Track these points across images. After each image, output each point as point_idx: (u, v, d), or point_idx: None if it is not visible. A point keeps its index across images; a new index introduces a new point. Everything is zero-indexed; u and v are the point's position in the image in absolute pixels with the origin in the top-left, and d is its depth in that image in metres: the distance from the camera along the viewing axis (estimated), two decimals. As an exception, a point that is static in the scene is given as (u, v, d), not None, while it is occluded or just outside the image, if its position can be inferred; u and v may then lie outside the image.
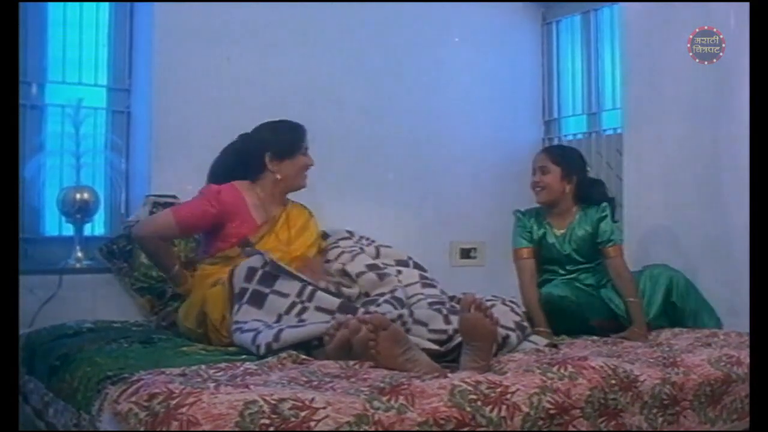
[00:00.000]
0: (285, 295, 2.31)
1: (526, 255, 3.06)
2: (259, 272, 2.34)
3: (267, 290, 2.32)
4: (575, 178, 3.05)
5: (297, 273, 2.37)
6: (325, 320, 2.21)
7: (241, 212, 2.70)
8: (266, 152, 2.75)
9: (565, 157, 3.07)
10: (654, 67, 3.54)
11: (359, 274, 2.57)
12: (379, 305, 2.34)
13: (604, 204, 3.05)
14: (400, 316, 2.22)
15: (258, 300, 2.31)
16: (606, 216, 3.02)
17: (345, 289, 2.50)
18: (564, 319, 2.83)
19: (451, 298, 2.58)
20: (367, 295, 2.51)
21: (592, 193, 3.10)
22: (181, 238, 2.92)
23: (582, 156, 3.18)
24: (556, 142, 4.29)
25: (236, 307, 2.33)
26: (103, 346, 2.33)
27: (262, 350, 2.13)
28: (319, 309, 2.28)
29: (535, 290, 2.98)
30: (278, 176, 2.76)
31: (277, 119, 2.84)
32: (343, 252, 2.71)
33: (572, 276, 3.05)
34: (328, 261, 2.72)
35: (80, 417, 1.89)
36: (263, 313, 2.29)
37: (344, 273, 2.60)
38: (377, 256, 2.75)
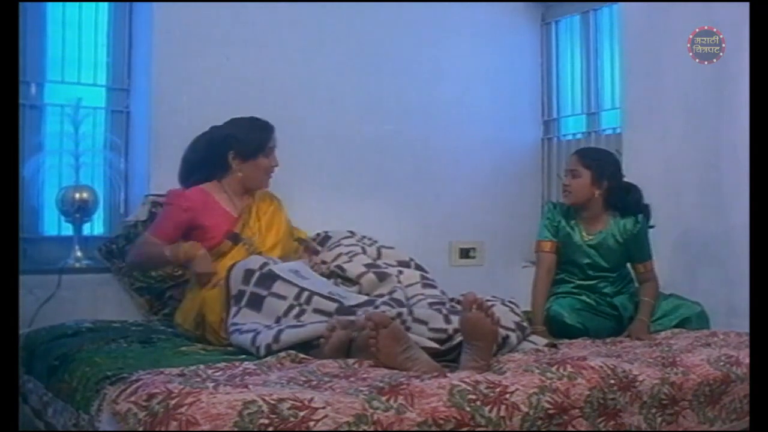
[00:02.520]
0: (283, 298, 2.31)
1: (547, 248, 3.00)
2: (257, 274, 2.35)
3: (265, 293, 2.32)
4: (606, 183, 2.96)
5: (292, 280, 2.36)
6: (324, 321, 2.22)
7: (214, 208, 2.74)
8: (229, 150, 2.78)
9: (597, 162, 2.98)
10: (653, 67, 3.54)
11: (360, 276, 2.57)
12: (377, 306, 2.34)
13: (641, 216, 2.96)
14: (399, 315, 2.22)
15: (256, 303, 2.31)
16: (641, 232, 2.96)
17: (344, 290, 2.50)
18: (567, 338, 2.76)
19: (450, 300, 2.58)
20: (367, 295, 2.51)
21: (626, 200, 2.99)
22: (171, 243, 2.79)
23: (617, 161, 3.10)
24: (555, 142, 4.29)
25: (234, 309, 2.33)
26: (102, 345, 2.33)
27: (262, 351, 2.13)
28: (317, 311, 2.29)
29: (548, 287, 2.96)
30: (240, 175, 2.79)
31: (245, 116, 2.84)
32: (341, 253, 2.70)
33: (591, 283, 2.99)
34: (325, 263, 2.72)
35: (79, 417, 1.89)
36: (262, 316, 2.29)
37: (344, 276, 2.60)
38: (379, 257, 2.75)
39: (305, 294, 2.32)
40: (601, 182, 2.96)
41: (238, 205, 2.79)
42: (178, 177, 2.87)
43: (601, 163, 3.00)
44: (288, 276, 2.36)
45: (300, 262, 2.58)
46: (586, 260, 2.99)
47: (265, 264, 2.37)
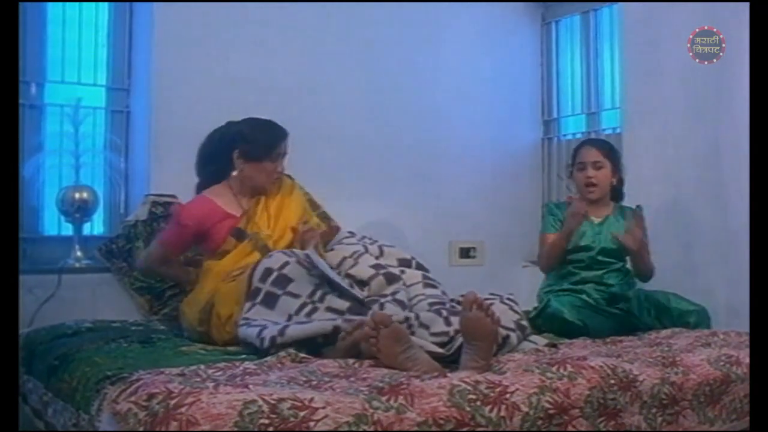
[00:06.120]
0: (297, 296, 2.32)
1: (550, 241, 3.03)
2: (275, 273, 2.36)
3: (280, 292, 2.33)
4: (619, 173, 3.06)
5: (309, 281, 2.36)
6: (332, 318, 2.22)
7: (216, 214, 2.71)
8: (235, 149, 2.74)
9: (613, 152, 3.07)
10: (653, 67, 3.54)
11: (370, 278, 2.55)
12: (382, 306, 2.35)
13: (639, 206, 3.02)
14: (407, 319, 2.22)
15: (270, 302, 2.33)
16: (641, 219, 3.00)
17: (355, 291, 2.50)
18: (569, 337, 2.75)
19: (451, 300, 2.57)
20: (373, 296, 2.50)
21: (621, 189, 3.11)
22: (180, 255, 2.88)
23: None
24: (555, 142, 4.29)
25: (248, 305, 2.35)
26: (102, 345, 2.33)
27: (266, 343, 2.14)
28: (329, 309, 2.30)
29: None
30: (242, 174, 2.76)
31: (262, 118, 2.81)
32: (345, 257, 2.69)
33: (596, 274, 2.99)
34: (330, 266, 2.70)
35: (79, 417, 1.89)
36: (275, 314, 2.30)
37: (354, 279, 2.58)
38: (380, 255, 2.75)
39: (319, 293, 2.33)
40: (618, 172, 3.06)
41: (244, 203, 2.77)
42: (195, 168, 2.86)
43: (616, 152, 3.11)
44: (305, 276, 2.36)
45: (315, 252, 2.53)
46: (594, 241, 3.00)
47: (285, 264, 2.38)
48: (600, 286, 2.98)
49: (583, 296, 2.93)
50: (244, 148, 2.74)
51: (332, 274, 2.39)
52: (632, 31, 3.67)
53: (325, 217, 2.96)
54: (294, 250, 2.51)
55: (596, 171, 3.00)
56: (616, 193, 3.12)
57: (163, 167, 3.26)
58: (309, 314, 2.28)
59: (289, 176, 2.91)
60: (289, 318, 2.28)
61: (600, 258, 3.02)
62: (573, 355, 2.11)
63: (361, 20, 3.77)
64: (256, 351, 2.19)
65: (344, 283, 2.41)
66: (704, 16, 3.26)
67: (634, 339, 2.72)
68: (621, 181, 3.11)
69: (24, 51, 3.18)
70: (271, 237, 2.70)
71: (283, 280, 2.34)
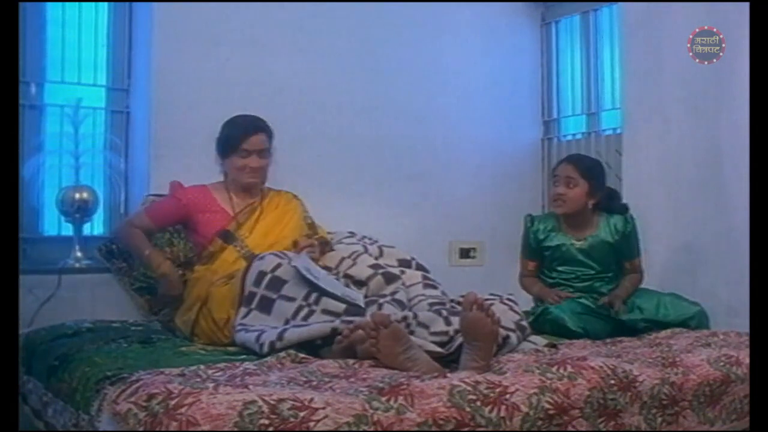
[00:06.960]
0: (292, 300, 2.31)
1: (531, 268, 3.08)
2: (268, 276, 2.35)
3: (275, 295, 2.33)
4: (599, 194, 3.01)
5: (302, 282, 2.35)
6: (329, 321, 2.22)
7: (208, 204, 2.75)
8: (216, 146, 2.79)
9: (593, 172, 3.00)
10: (654, 67, 3.54)
11: (368, 278, 2.55)
12: (381, 306, 2.34)
13: (631, 215, 3.01)
14: (405, 318, 2.22)
15: (266, 306, 2.32)
16: (633, 230, 3.01)
17: (352, 290, 2.49)
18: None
19: (451, 300, 2.56)
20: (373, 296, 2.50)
21: (611, 204, 3.06)
22: (156, 230, 2.87)
23: (604, 169, 3.14)
24: (555, 142, 4.29)
25: (244, 310, 2.34)
26: (102, 346, 2.33)
27: (266, 348, 2.14)
28: (325, 312, 2.29)
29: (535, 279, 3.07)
30: (223, 170, 2.81)
31: (241, 114, 2.81)
32: (343, 257, 2.69)
33: (587, 284, 3.00)
34: (328, 268, 2.69)
35: (79, 417, 1.89)
36: (271, 319, 2.30)
37: (352, 279, 2.58)
38: (380, 255, 2.74)
39: (314, 295, 2.32)
40: (596, 194, 3.00)
41: (238, 203, 2.78)
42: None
43: (598, 174, 3.04)
44: (298, 278, 2.35)
45: (308, 258, 2.53)
46: (579, 265, 3.02)
47: (278, 266, 2.37)
48: (593, 294, 2.97)
49: (582, 300, 2.92)
50: (217, 146, 2.78)
51: (324, 284, 2.36)
52: (632, 31, 3.67)
53: (322, 243, 2.86)
54: (286, 252, 2.51)
55: (567, 188, 2.96)
56: (600, 208, 3.05)
57: (162, 167, 3.26)
58: (305, 317, 2.27)
59: (295, 195, 2.92)
60: (286, 322, 2.27)
61: (585, 274, 3.02)
62: (573, 356, 2.11)
63: (362, 21, 3.77)
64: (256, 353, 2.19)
65: (337, 288, 2.40)
66: (704, 16, 3.26)
67: (634, 339, 2.72)
68: (602, 200, 3.03)
69: (24, 51, 3.18)
70: (259, 246, 2.67)
71: (277, 283, 2.34)
